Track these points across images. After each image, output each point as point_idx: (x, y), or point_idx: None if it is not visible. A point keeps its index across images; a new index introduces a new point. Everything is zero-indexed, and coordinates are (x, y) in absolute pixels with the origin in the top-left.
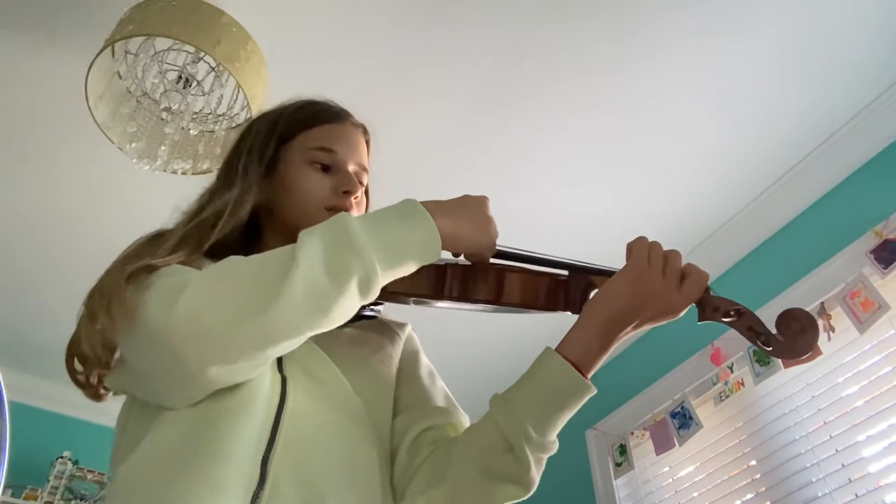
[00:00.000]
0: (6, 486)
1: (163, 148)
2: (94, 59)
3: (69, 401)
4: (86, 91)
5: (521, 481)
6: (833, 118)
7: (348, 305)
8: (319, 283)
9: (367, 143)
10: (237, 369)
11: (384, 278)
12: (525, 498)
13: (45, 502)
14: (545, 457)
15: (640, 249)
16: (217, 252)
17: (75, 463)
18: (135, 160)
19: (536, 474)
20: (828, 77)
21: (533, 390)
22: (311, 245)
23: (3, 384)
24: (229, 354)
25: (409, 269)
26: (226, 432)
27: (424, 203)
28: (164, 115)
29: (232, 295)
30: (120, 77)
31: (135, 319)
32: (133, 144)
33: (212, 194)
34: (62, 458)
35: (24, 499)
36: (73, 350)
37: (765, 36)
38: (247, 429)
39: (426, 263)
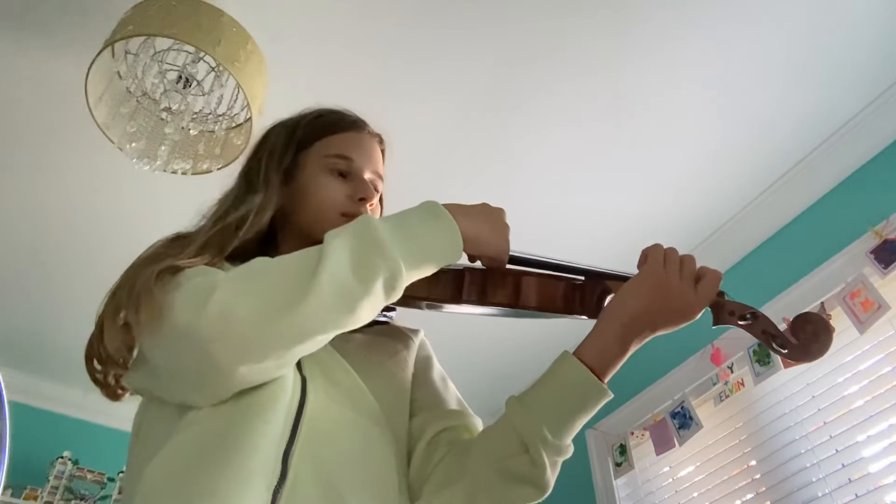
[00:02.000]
0: (6, 486)
1: (163, 148)
2: (94, 59)
3: (69, 401)
4: (86, 91)
5: (537, 483)
6: (833, 118)
7: (374, 304)
8: (346, 282)
9: (383, 151)
10: (265, 368)
11: (409, 278)
12: (540, 500)
13: (45, 502)
14: (560, 460)
15: (655, 254)
16: (236, 256)
17: (75, 463)
18: (135, 160)
19: (552, 477)
20: (828, 77)
21: (550, 393)
22: (338, 246)
23: (3, 384)
24: (258, 353)
25: (432, 268)
26: (251, 429)
27: (445, 205)
28: (163, 115)
29: (261, 294)
30: (120, 77)
31: (162, 319)
32: (133, 144)
33: (234, 200)
34: (62, 458)
35: (24, 499)
36: (92, 349)
37: (766, 35)
38: (270, 426)
39: (449, 263)
